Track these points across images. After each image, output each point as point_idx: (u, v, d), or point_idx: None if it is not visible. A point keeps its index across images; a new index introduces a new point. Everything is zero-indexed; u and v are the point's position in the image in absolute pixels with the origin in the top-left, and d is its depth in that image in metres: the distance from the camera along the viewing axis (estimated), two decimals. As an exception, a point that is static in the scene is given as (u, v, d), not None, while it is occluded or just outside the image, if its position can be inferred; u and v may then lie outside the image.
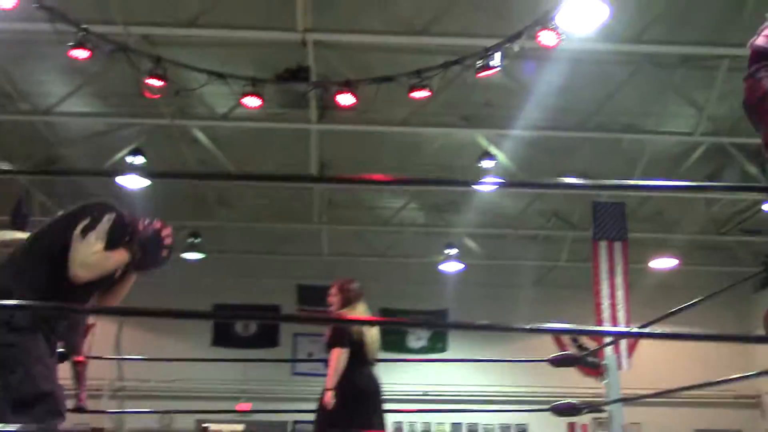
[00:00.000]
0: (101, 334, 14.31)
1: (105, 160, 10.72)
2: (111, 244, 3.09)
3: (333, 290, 5.40)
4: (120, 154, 10.62)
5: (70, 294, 3.02)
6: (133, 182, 10.49)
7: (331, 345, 5.08)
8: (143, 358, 11.99)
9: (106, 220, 3.10)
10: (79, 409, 5.49)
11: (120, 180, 10.38)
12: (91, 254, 3.01)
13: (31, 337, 2.90)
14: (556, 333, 3.51)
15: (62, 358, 5.47)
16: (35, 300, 2.90)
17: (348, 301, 5.33)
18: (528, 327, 2.85)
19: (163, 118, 9.85)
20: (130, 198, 12.02)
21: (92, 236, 3.04)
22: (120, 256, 3.12)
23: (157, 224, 3.24)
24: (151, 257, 3.23)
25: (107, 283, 3.20)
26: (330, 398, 4.88)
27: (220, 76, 8.16)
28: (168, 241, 3.26)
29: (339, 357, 5.00)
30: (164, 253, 3.26)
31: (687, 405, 13.40)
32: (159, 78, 7.87)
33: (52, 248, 3.05)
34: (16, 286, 2.93)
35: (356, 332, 5.08)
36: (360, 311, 5.24)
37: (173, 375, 13.71)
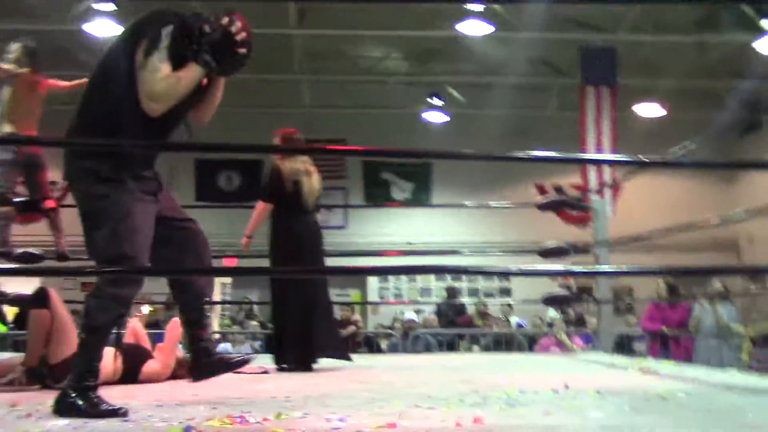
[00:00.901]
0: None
1: (69, 7, 10.15)
2: (177, 61, 2.67)
3: (276, 141, 5.23)
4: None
5: (150, 130, 2.71)
6: (103, 29, 9.99)
7: (257, 195, 5.11)
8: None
9: (165, 36, 2.66)
10: (61, 257, 5.45)
11: (89, 28, 9.90)
12: (159, 81, 2.62)
13: (120, 188, 2.65)
14: (542, 161, 3.41)
15: (32, 208, 5.39)
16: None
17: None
18: (514, 155, 2.73)
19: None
20: (101, 48, 11.55)
21: (155, 60, 2.63)
22: (192, 73, 2.70)
23: (224, 20, 2.74)
24: (228, 61, 2.78)
25: (194, 98, 2.82)
26: (245, 244, 5.15)
27: None
28: (242, 35, 2.75)
29: (260, 210, 5.04)
30: (242, 50, 2.78)
31: (666, 251, 13.60)
32: None
33: (117, 85, 2.64)
34: (94, 132, 2.66)
35: (290, 183, 4.95)
36: (300, 161, 5.08)
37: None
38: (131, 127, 2.65)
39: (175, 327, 4.01)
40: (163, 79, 2.62)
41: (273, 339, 5.14)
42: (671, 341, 8.31)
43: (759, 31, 10.46)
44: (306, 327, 4.75)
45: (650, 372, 4.14)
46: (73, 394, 2.50)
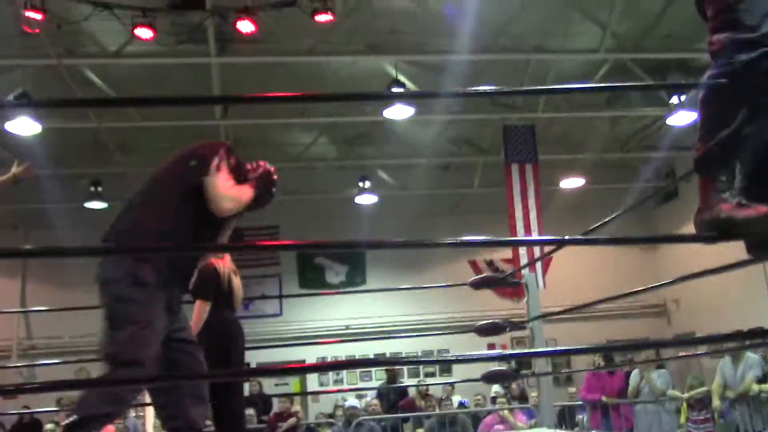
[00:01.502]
0: (3, 292, 13.69)
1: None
2: (237, 180, 3.12)
3: None
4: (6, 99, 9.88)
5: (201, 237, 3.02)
6: (24, 128, 9.86)
7: (196, 294, 4.86)
8: (49, 309, 11.45)
9: (227, 159, 3.11)
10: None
11: (9, 127, 9.73)
12: (230, 187, 3.03)
13: (153, 294, 2.79)
14: (474, 245, 3.48)
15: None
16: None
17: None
18: (446, 242, 2.77)
19: (49, 58, 9.19)
20: (23, 146, 11.34)
21: (224, 172, 3.03)
22: (249, 191, 3.15)
23: (264, 163, 3.32)
24: (266, 194, 3.31)
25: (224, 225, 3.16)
26: None
27: (106, 6, 7.60)
28: (276, 179, 3.34)
29: (203, 309, 4.85)
30: (274, 190, 3.35)
31: (598, 319, 13.91)
32: (37, 11, 7.26)
33: (183, 190, 3.00)
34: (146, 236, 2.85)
35: (226, 283, 4.95)
36: (229, 260, 5.06)
37: (86, 329, 13.23)
38: (189, 231, 2.96)
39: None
40: (232, 187, 3.07)
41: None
42: (611, 410, 8.38)
43: (669, 107, 11.06)
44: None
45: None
46: None
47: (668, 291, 15.00)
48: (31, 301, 13.34)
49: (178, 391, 2.94)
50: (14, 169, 5.48)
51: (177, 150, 3.28)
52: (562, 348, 4.04)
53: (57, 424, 7.34)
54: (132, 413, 11.27)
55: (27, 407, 10.32)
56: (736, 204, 2.19)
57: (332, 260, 14.89)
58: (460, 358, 2.78)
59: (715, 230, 2.24)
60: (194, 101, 7.92)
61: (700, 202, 2.32)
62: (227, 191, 3.02)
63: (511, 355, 5.48)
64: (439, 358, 3.58)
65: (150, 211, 3.00)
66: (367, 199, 13.85)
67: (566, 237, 3.30)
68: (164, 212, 2.98)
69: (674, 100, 10.83)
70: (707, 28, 2.28)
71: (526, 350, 5.25)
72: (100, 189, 12.87)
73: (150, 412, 11.38)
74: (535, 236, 10.96)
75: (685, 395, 8.04)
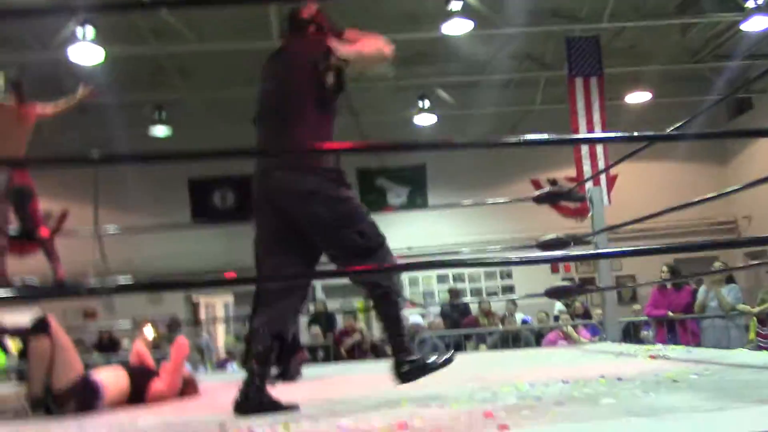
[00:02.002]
0: (77, 219, 14.14)
1: (52, 35, 10.12)
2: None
3: None
4: (68, 28, 10.01)
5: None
6: (87, 57, 9.99)
7: None
8: (123, 232, 11.80)
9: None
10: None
11: (73, 54, 9.87)
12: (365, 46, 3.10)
13: (351, 189, 3.07)
14: (536, 144, 3.36)
15: (26, 238, 5.34)
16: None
17: None
18: (507, 140, 2.69)
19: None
20: (87, 75, 11.52)
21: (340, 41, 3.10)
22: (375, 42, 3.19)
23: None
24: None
25: None
26: None
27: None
28: None
29: None
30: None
31: (666, 236, 13.60)
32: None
33: (320, 95, 3.03)
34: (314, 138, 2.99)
35: None
36: None
37: (158, 254, 13.68)
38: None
39: (180, 346, 3.97)
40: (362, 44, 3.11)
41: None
42: (678, 326, 8.27)
43: (744, 11, 10.47)
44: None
45: (659, 357, 4.10)
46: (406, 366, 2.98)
47: (739, 207, 14.54)
48: (103, 225, 13.79)
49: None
50: (79, 93, 5.59)
51: (284, 56, 3.23)
52: (624, 250, 3.89)
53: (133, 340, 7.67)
54: (204, 332, 11.72)
55: (106, 328, 10.82)
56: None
57: (393, 182, 14.85)
58: (521, 259, 2.73)
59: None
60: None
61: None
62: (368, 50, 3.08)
63: (573, 258, 5.40)
64: (501, 260, 3.51)
65: (305, 125, 3.02)
66: (426, 119, 13.70)
67: (635, 133, 3.18)
68: (315, 123, 3.03)
69: (750, 3, 10.23)
70: None
71: (588, 252, 5.15)
72: (163, 115, 13.06)
73: (221, 329, 11.83)
74: (599, 152, 10.68)
75: (756, 309, 7.87)
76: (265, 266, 3.03)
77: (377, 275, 3.00)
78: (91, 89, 5.70)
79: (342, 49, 3.04)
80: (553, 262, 7.86)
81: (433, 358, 3.03)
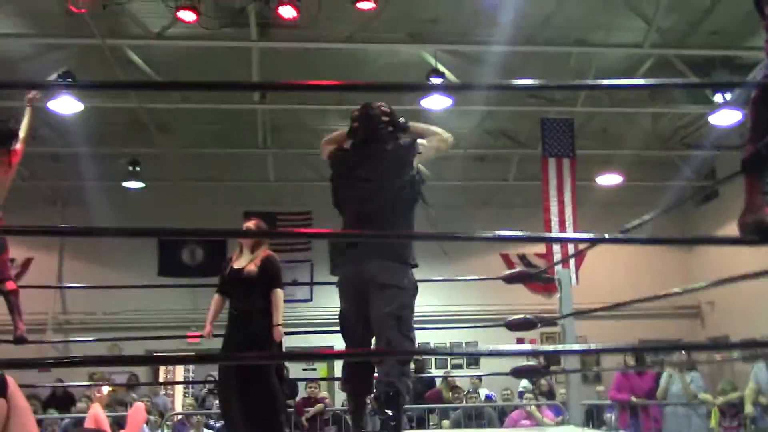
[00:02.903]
0: (40, 267, 13.92)
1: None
2: None
3: (249, 225, 5.45)
4: (50, 79, 10.03)
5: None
6: (66, 107, 10.01)
7: (274, 285, 5.21)
8: (86, 287, 11.65)
9: None
10: (19, 340, 5.26)
11: (52, 105, 9.89)
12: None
13: None
14: (509, 240, 3.51)
15: (-8, 290, 5.22)
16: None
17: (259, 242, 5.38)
18: (481, 235, 2.75)
19: (93, 38, 9.29)
20: (65, 125, 11.52)
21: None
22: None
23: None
24: None
25: None
26: (279, 335, 5.08)
27: (151, -12, 7.67)
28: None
29: (281, 297, 5.21)
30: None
31: (630, 317, 13.72)
32: (83, -10, 7.37)
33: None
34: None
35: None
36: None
37: (120, 306, 13.46)
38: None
39: (138, 411, 3.89)
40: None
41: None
42: (640, 411, 8.28)
43: (713, 105, 10.85)
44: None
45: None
46: None
47: (703, 293, 14.74)
48: (67, 276, 13.58)
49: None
50: (27, 101, 5.52)
51: (385, 155, 3.70)
52: (595, 347, 4.01)
53: (89, 398, 7.45)
54: (162, 391, 11.46)
55: (60, 380, 10.52)
56: (783, 208, 2.14)
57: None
58: (491, 351, 2.77)
59: (758, 233, 2.18)
60: (233, 87, 7.97)
61: (745, 204, 2.27)
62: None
63: (543, 352, 5.45)
64: (470, 351, 3.58)
65: (408, 222, 3.62)
66: (401, 189, 13.82)
67: (605, 235, 3.25)
68: (411, 219, 3.67)
69: (718, 98, 10.62)
70: (764, 25, 2.22)
71: (558, 347, 5.21)
72: (137, 168, 13.05)
73: (179, 390, 11.58)
74: (570, 233, 10.84)
75: (718, 400, 7.92)
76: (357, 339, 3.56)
77: (397, 379, 3.36)
78: (34, 94, 5.62)
79: (423, 147, 3.61)
80: (523, 354, 7.89)
81: None
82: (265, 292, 5.17)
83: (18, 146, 5.35)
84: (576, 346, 5.38)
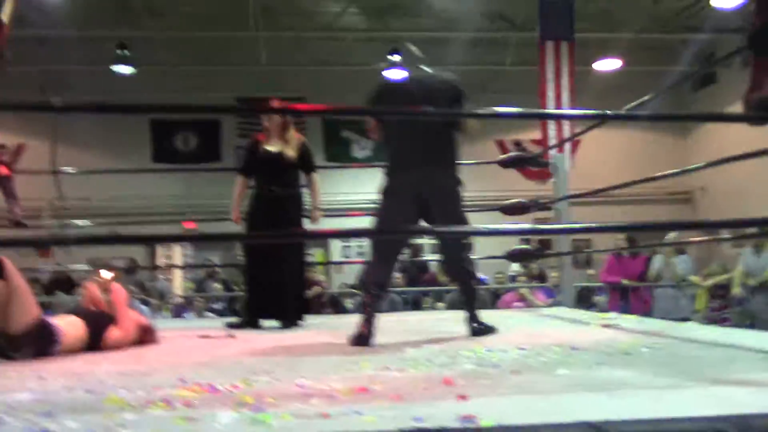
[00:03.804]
0: (33, 154, 13.84)
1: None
2: None
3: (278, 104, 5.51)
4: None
5: None
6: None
7: (312, 170, 5.39)
8: (80, 172, 11.57)
9: None
10: (17, 224, 5.29)
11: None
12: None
13: None
14: (508, 117, 3.59)
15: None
16: None
17: (287, 125, 5.35)
18: (478, 112, 2.69)
19: None
20: (47, 4, 11.14)
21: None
22: None
23: None
24: None
25: None
26: (318, 217, 5.36)
27: None
28: None
29: (318, 181, 5.43)
30: None
31: (623, 203, 13.82)
32: None
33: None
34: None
35: None
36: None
37: (117, 194, 13.48)
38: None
39: (118, 292, 3.94)
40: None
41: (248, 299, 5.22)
42: (630, 293, 8.48)
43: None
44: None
45: (612, 327, 4.21)
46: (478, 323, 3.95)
47: (695, 178, 14.83)
48: (61, 163, 13.49)
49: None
50: None
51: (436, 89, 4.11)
52: (589, 224, 4.10)
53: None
54: (161, 276, 11.65)
55: (59, 265, 10.68)
56: (792, 84, 2.09)
57: (359, 134, 14.81)
58: (487, 230, 2.78)
59: (765, 110, 2.15)
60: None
61: (751, 81, 2.22)
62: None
63: (539, 231, 5.51)
64: (468, 231, 3.62)
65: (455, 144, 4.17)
66: (396, 73, 13.58)
67: (607, 112, 3.21)
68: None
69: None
70: None
71: (551, 227, 5.27)
72: (126, 52, 12.74)
73: (178, 275, 11.75)
74: (568, 110, 10.72)
75: (707, 282, 8.10)
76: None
77: (468, 263, 4.05)
78: None
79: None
80: (519, 234, 7.98)
81: (489, 326, 3.97)
82: (298, 176, 5.30)
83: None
84: (571, 225, 5.44)
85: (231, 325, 5.02)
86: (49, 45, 12.80)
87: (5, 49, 5.19)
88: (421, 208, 3.92)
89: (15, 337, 3.34)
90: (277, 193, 5.17)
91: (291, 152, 5.27)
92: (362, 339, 3.64)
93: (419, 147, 3.97)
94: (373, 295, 3.80)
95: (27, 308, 3.43)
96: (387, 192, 4.06)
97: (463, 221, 4.05)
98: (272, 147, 5.26)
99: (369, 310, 3.75)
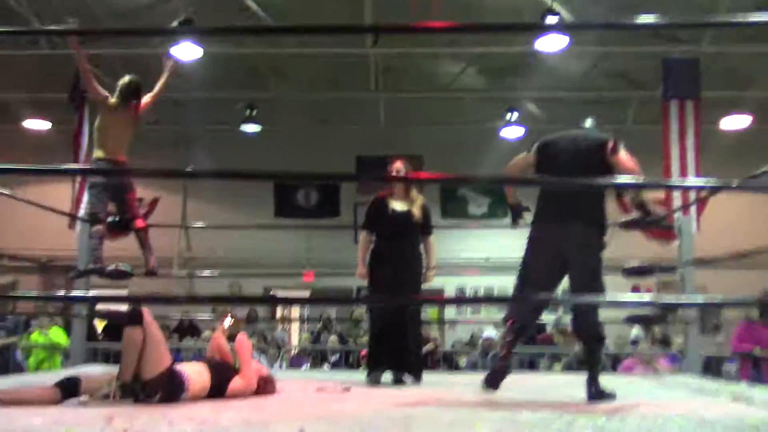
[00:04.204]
0: (166, 207, 14.66)
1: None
2: None
3: (400, 164, 5.50)
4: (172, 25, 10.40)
5: None
6: (186, 53, 10.37)
7: (431, 231, 5.50)
8: (209, 226, 12.19)
9: None
10: (150, 273, 5.62)
11: (174, 51, 10.25)
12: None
13: None
14: (625, 188, 3.58)
15: (123, 227, 5.58)
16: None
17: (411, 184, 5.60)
18: (596, 181, 2.67)
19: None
20: (185, 70, 11.95)
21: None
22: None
23: None
24: None
25: None
26: (432, 277, 5.43)
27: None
28: None
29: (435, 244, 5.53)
30: None
31: (753, 268, 13.08)
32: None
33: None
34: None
35: None
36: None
37: (240, 246, 14.04)
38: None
39: (242, 343, 4.10)
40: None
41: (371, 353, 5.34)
42: (764, 364, 7.97)
43: None
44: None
45: (743, 399, 3.98)
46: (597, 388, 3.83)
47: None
48: (191, 217, 14.25)
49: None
50: (166, 68, 5.82)
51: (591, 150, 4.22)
52: (718, 301, 4.09)
53: (213, 330, 7.92)
54: (279, 326, 11.97)
55: (187, 312, 11.21)
56: None
57: (475, 192, 14.84)
58: (608, 300, 2.73)
59: None
60: (347, 30, 8.01)
61: None
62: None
63: (667, 305, 5.35)
64: (586, 298, 3.55)
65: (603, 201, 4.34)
66: (513, 132, 13.60)
67: (733, 183, 3.11)
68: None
69: None
70: None
71: (677, 299, 5.10)
72: (254, 113, 13.42)
73: (295, 327, 12.05)
74: (692, 179, 10.35)
75: None
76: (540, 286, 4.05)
77: (598, 324, 4.09)
78: (174, 62, 5.96)
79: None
80: (638, 306, 7.68)
81: (609, 392, 3.88)
82: (419, 237, 5.42)
83: (146, 99, 5.66)
84: (695, 296, 5.22)
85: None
86: (185, 106, 13.69)
87: (145, 117, 5.67)
88: (563, 262, 4.07)
89: (148, 383, 3.55)
90: (406, 253, 5.29)
91: (417, 212, 5.38)
92: (496, 377, 3.99)
93: (566, 201, 4.11)
94: (514, 334, 4.06)
95: (160, 356, 3.64)
96: (532, 240, 4.24)
97: (598, 280, 4.08)
98: (399, 206, 5.37)
99: (507, 349, 4.02)
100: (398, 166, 5.46)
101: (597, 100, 13.56)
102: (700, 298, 5.74)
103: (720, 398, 4.11)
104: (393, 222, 5.32)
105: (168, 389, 3.57)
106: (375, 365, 5.22)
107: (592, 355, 4.04)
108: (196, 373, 3.76)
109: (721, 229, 12.05)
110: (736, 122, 13.24)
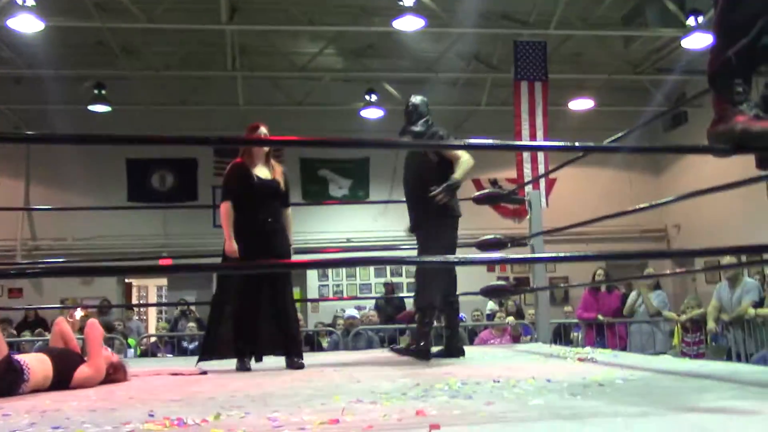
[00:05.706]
0: (6, 191, 13.71)
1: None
2: None
3: (265, 128, 4.85)
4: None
5: None
6: (26, 25, 9.68)
7: (289, 202, 4.97)
8: (55, 209, 11.51)
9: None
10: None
11: (11, 23, 9.55)
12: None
13: None
14: (483, 149, 3.84)
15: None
16: None
17: (270, 152, 5.01)
18: (458, 143, 2.73)
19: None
20: (25, 45, 11.16)
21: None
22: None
23: None
24: None
25: None
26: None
27: None
28: None
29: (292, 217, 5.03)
30: None
31: (598, 241, 13.93)
32: None
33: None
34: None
35: None
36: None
37: (90, 232, 13.35)
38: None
39: (92, 326, 3.87)
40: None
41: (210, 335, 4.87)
42: (607, 329, 8.50)
43: (685, 28, 10.79)
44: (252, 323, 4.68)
45: (588, 360, 4.21)
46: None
47: (669, 216, 15.01)
48: (35, 202, 13.39)
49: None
50: None
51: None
52: (564, 255, 4.20)
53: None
54: (135, 316, 11.51)
55: (30, 305, 10.52)
56: (753, 116, 2.14)
57: (336, 173, 14.86)
58: (460, 260, 2.78)
59: (729, 143, 2.19)
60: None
61: (715, 115, 2.27)
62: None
63: (511, 261, 5.54)
64: (443, 260, 3.60)
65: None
66: (372, 113, 13.70)
67: (576, 143, 3.26)
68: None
69: (691, 21, 10.56)
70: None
71: (526, 256, 5.33)
72: (103, 92, 12.74)
73: (153, 313, 11.63)
74: (540, 155, 10.85)
75: (682, 317, 8.14)
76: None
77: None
78: None
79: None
80: (491, 264, 7.97)
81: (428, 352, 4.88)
82: (281, 207, 4.89)
83: None
84: (546, 254, 5.45)
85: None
86: (26, 84, 12.80)
87: None
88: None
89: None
90: (275, 225, 4.78)
91: (281, 180, 4.89)
92: (425, 353, 4.72)
93: (408, 188, 5.03)
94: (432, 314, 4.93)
95: (-7, 347, 3.37)
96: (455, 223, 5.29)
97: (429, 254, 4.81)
98: (262, 173, 4.83)
99: (427, 328, 4.87)
100: (264, 130, 4.78)
101: (453, 81, 13.92)
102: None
103: (567, 361, 4.32)
104: (259, 191, 4.74)
105: (5, 380, 3.31)
106: (242, 351, 4.66)
107: (420, 321, 4.93)
108: (36, 362, 3.51)
109: (569, 208, 12.67)
110: (581, 104, 13.99)
